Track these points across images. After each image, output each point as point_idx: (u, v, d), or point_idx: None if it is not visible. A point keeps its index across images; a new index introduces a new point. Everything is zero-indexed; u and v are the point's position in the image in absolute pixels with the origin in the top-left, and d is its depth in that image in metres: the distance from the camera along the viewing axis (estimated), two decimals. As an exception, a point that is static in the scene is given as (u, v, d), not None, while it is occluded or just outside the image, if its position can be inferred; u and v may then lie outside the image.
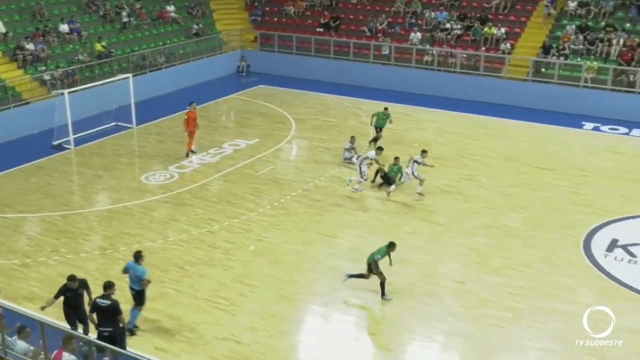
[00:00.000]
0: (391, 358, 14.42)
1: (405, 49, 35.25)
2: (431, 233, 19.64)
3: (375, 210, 21.53)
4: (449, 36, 35.09)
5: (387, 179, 22.43)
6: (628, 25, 32.84)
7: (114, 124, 28.22)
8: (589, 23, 33.45)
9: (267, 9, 40.87)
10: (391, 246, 16.39)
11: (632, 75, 30.55)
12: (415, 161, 21.85)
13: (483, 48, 34.08)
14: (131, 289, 14.47)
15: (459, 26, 35.35)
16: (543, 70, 32.55)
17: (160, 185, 22.79)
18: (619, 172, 24.19)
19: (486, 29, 34.49)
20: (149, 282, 14.42)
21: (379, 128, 25.92)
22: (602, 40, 32.19)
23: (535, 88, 31.99)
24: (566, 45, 32.49)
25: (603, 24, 33.21)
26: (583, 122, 29.54)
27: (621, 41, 31.78)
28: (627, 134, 28.48)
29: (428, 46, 34.95)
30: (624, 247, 18.69)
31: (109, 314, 13.01)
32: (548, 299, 16.24)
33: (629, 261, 18.06)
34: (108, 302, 13.04)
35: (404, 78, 34.41)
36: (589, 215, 20.52)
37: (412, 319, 15.61)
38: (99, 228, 20.00)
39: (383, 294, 16.20)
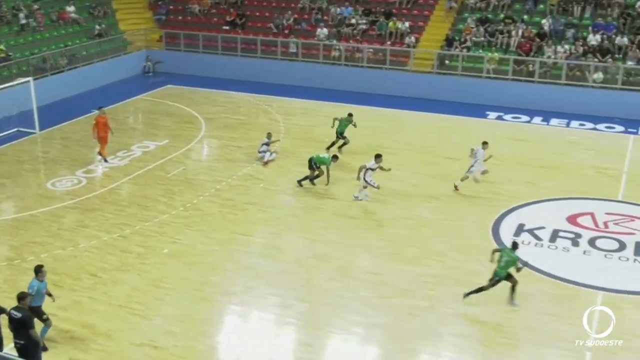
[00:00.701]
0: (311, 353, 14.47)
1: (312, 44, 35.43)
2: (346, 227, 19.81)
3: (289, 207, 21.59)
4: (355, 31, 35.48)
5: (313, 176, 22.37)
6: (525, 16, 34.03)
7: (15, 129, 27.15)
8: (489, 15, 34.53)
9: (172, 7, 40.28)
10: (515, 246, 15.88)
11: (531, 65, 31.69)
12: (476, 152, 21.88)
13: (388, 42, 34.64)
14: None
15: (364, 21, 35.79)
16: (447, 62, 33.34)
17: (67, 191, 22.12)
18: (523, 159, 25.06)
19: (391, 23, 35.06)
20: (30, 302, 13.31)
21: (340, 133, 25.09)
22: (501, 32, 33.25)
23: (440, 80, 32.76)
24: (468, 37, 33.39)
25: (502, 16, 34.33)
26: (487, 112, 30.45)
27: (520, 32, 32.91)
28: (528, 122, 29.53)
29: (335, 42, 35.24)
30: (530, 231, 19.38)
31: (20, 326, 12.55)
32: (461, 285, 16.61)
33: (536, 244, 18.74)
34: (20, 314, 12.57)
35: (312, 74, 34.59)
36: (496, 202, 21.14)
37: (330, 313, 15.71)
38: (4, 238, 19.24)
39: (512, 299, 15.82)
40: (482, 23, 34.03)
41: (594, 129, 28.59)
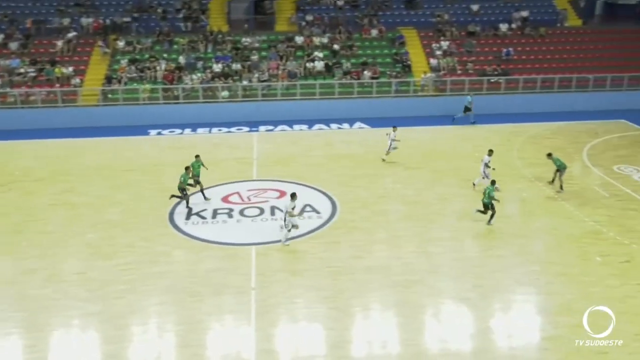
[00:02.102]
0: (36, 352, 12.96)
1: (-13, 94, 31.15)
2: (47, 241, 17.95)
3: (-8, 234, 18.93)
4: (26, 79, 32.01)
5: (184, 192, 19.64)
6: (165, 55, 34.01)
7: None
8: (137, 56, 33.73)
9: None
10: (494, 184, 18.35)
11: (175, 91, 31.85)
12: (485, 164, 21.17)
13: (58, 85, 31.91)
14: None
15: (32, 70, 32.41)
16: (110, 95, 31.87)
17: None
18: (182, 162, 25.07)
19: (56, 69, 32.32)
20: None
21: (196, 177, 20.51)
22: (149, 68, 32.76)
23: (107, 110, 31.18)
24: (123, 75, 32.29)
25: (147, 55, 33.80)
26: (149, 130, 29.85)
27: (163, 67, 32.78)
28: (181, 133, 29.68)
29: (9, 89, 31.40)
30: (197, 214, 19.64)
31: None
32: (152, 265, 16.29)
33: (203, 223, 19.06)
34: None
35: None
36: (166, 198, 20.84)
37: (47, 315, 14.19)
38: None
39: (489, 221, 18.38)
40: (132, 62, 33.15)
41: (229, 132, 29.83)
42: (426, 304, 14.56)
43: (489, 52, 35.06)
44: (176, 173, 23.46)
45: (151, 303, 14.69)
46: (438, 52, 34.37)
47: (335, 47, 34.41)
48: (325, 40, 34.94)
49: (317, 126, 30.29)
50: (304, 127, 30.20)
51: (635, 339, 13.11)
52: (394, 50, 34.70)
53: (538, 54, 35.20)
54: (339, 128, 30.14)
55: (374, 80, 32.34)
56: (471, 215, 18.92)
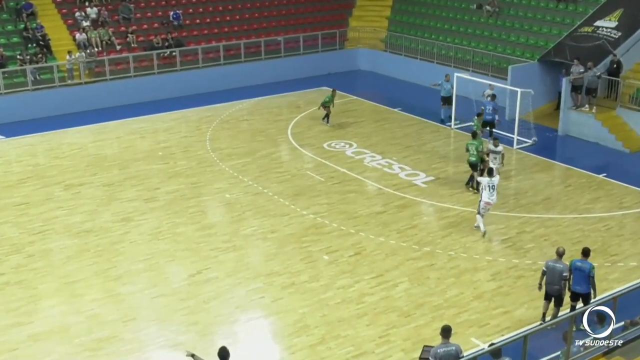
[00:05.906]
0: None
1: None
2: None
3: None
4: None
5: None
6: None
7: None
8: None
9: None
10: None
11: None
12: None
13: None
14: None
15: None
16: None
17: None
18: None
19: None
20: None
21: None
22: None
23: None
24: None
25: None
26: None
27: None
28: None
29: None
30: None
31: None
32: None
33: None
34: None
35: None
36: None
37: None
38: None
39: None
40: None
41: None
42: (128, 366, 14.20)
43: (154, 18, 35.62)
44: None
45: None
46: (85, 23, 33.69)
47: None
48: None
49: None
50: None
51: (381, 343, 14.67)
52: (22, 25, 32.96)
53: (215, 15, 37.01)
54: (-44, 144, 27.49)
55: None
56: (171, 232, 19.11)
